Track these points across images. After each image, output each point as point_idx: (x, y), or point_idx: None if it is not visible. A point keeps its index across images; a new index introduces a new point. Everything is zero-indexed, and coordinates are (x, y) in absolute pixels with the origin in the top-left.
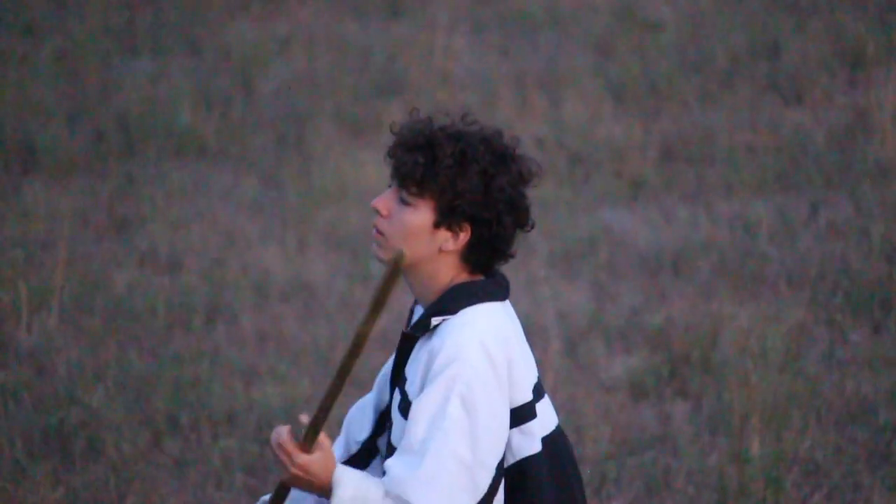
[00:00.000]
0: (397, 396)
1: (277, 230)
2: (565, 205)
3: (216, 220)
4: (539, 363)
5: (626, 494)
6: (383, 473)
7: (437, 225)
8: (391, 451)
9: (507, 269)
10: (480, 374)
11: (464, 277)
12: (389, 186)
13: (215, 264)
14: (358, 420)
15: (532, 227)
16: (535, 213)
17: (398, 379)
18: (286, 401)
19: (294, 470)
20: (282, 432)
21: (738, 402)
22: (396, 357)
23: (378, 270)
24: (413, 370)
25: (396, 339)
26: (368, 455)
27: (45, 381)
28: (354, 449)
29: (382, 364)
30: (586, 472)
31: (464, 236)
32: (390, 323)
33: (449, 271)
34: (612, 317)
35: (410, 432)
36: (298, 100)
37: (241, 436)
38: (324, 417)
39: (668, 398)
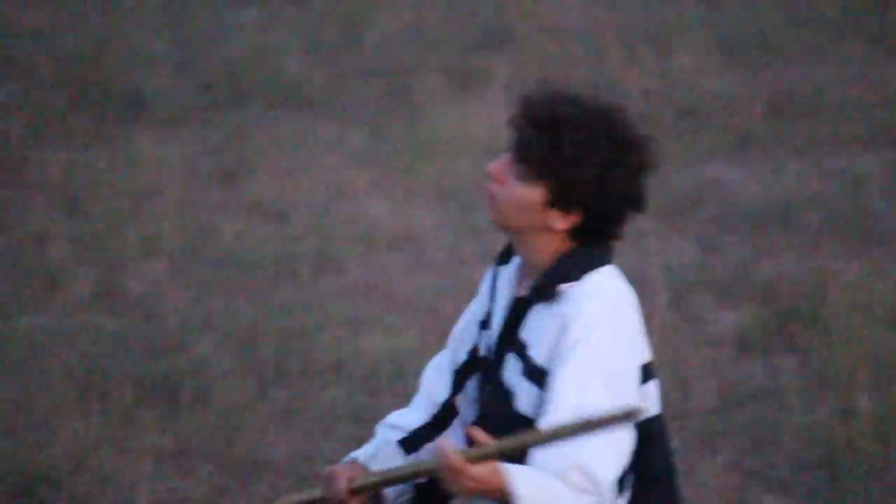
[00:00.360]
0: (515, 363)
1: (384, 181)
2: (672, 158)
3: (323, 170)
4: (645, 317)
5: (732, 449)
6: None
7: (548, 205)
8: (489, 408)
9: None
10: (618, 340)
11: (571, 245)
12: (507, 151)
13: (323, 215)
14: (436, 380)
15: (644, 212)
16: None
17: (510, 344)
18: (393, 351)
19: (471, 483)
20: (447, 450)
21: (845, 357)
22: (508, 321)
23: (486, 222)
24: (535, 335)
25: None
26: (449, 416)
27: (153, 328)
28: (434, 410)
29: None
30: (689, 427)
31: (574, 218)
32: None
33: (556, 243)
34: (719, 270)
35: (560, 402)
36: (405, 51)
37: (349, 385)
38: (499, 453)
39: (775, 352)
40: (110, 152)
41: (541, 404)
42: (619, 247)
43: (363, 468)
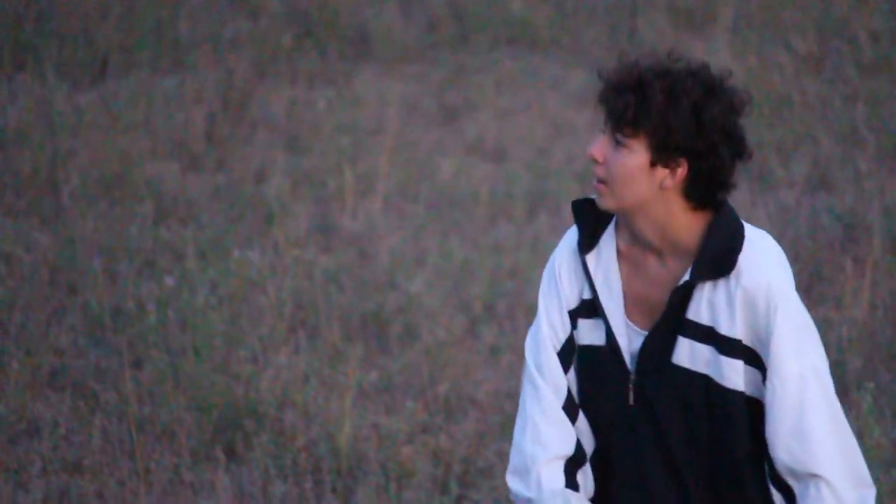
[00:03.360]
0: (696, 344)
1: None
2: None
3: (544, 109)
4: (860, 260)
5: None
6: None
7: (653, 163)
8: (680, 395)
9: (833, 162)
10: (797, 294)
11: (700, 216)
12: (602, 132)
13: (540, 154)
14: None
15: (751, 157)
16: (865, 108)
17: (678, 328)
18: None
19: None
20: None
21: None
22: (674, 306)
23: None
24: (718, 314)
25: None
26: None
27: (366, 266)
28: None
29: None
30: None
31: (681, 171)
32: None
33: (676, 210)
34: None
35: (785, 367)
36: None
37: None
38: None
39: None
40: (333, 90)
41: (750, 376)
42: (837, 187)
43: None
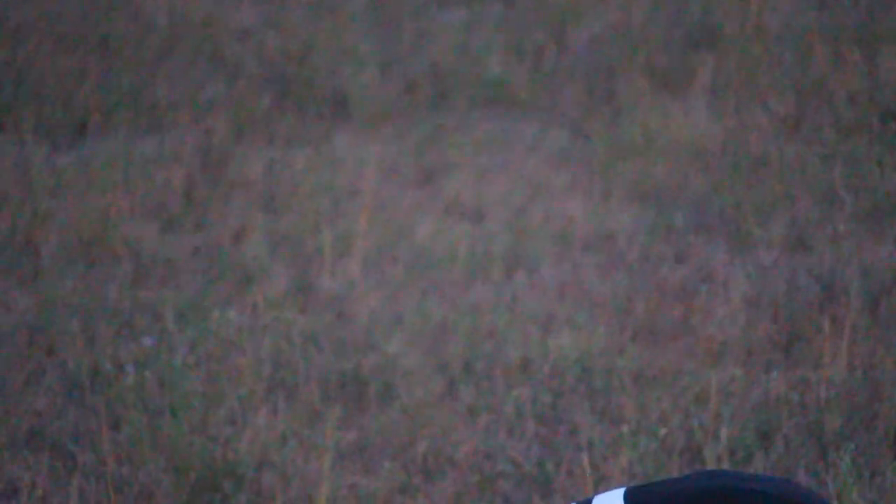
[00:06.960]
0: None
1: (583, 181)
2: (875, 161)
3: (522, 170)
4: (838, 319)
5: None
6: None
7: None
8: None
9: (811, 223)
10: None
11: None
12: None
13: (519, 214)
14: None
15: None
16: (843, 169)
17: None
18: (581, 350)
19: None
20: None
21: None
22: None
23: (681, 222)
24: None
25: None
26: None
27: (344, 326)
28: None
29: None
30: (877, 430)
31: None
32: None
33: None
34: None
35: None
36: (610, 51)
37: (535, 385)
38: None
39: None
40: (311, 151)
41: None
42: (815, 248)
43: None
